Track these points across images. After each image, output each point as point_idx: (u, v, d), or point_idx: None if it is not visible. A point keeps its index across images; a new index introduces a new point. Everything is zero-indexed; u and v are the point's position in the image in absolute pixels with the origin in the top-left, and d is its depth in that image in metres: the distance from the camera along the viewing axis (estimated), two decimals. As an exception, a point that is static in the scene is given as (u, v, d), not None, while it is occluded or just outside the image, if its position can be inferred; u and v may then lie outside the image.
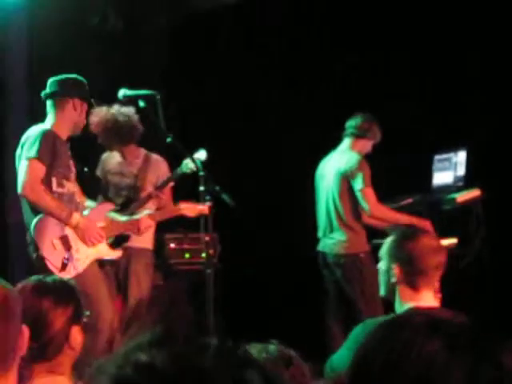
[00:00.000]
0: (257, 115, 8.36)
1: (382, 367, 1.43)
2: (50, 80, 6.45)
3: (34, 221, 6.01)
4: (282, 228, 7.93)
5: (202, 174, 6.42)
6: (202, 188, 6.38)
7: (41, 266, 5.83)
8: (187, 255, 8.34)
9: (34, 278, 3.21)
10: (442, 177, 7.68)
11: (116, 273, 7.03)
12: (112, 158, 7.27)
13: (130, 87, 7.07)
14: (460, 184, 7.47)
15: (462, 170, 7.51)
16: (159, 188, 6.99)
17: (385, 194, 7.31)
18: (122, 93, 6.94)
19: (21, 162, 6.05)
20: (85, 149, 7.35)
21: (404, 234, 4.23)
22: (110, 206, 6.69)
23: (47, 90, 6.40)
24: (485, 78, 7.36)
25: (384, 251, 4.12)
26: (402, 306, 3.97)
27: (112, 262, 6.97)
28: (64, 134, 6.22)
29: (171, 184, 7.08)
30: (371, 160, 7.23)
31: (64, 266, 5.91)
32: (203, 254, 7.66)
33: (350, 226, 7.18)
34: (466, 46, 7.52)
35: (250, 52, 8.66)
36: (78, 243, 6.11)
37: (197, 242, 8.04)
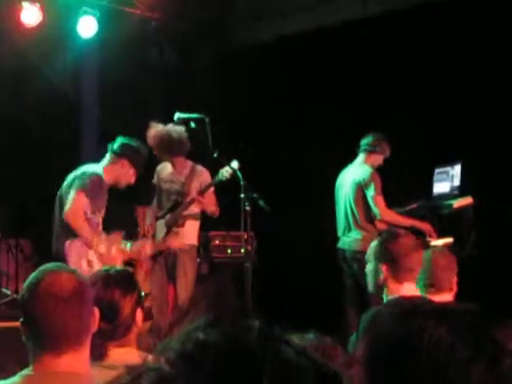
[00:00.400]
0: (290, 138, 8.34)
1: (397, 350, 1.45)
2: (119, 139, 6.51)
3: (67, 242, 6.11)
4: (308, 228, 7.88)
5: (242, 183, 6.45)
6: (242, 195, 6.41)
7: None
8: (229, 250, 8.40)
9: (101, 271, 3.29)
10: (440, 186, 7.66)
11: (166, 264, 7.04)
12: (165, 169, 7.31)
13: (184, 111, 7.14)
14: (455, 193, 7.45)
15: (457, 181, 7.49)
16: (201, 193, 6.95)
17: (394, 200, 7.31)
18: (177, 116, 7.06)
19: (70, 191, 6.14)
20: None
21: (386, 237, 4.28)
22: (119, 235, 6.65)
23: (112, 145, 6.47)
24: (476, 108, 7.29)
25: (370, 254, 4.17)
26: (388, 297, 4.04)
27: (164, 256, 7.05)
28: (107, 180, 6.33)
29: (212, 189, 7.06)
30: (384, 172, 7.26)
31: None
32: (242, 250, 7.77)
33: (364, 227, 7.22)
34: (460, 77, 7.49)
35: (281, 81, 8.64)
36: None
37: (237, 240, 8.12)
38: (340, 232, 7.45)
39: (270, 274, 7.81)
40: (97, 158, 7.53)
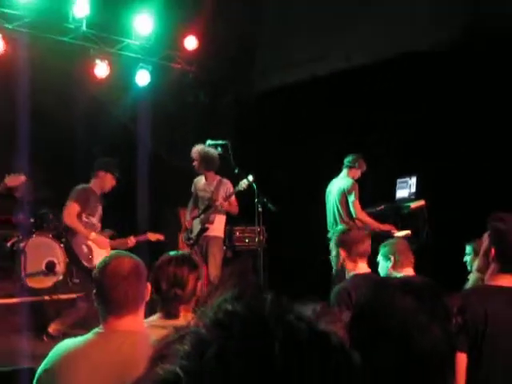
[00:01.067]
0: (292, 158, 8.34)
1: (374, 314, 1.44)
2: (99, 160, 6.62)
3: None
4: (305, 224, 7.86)
5: (256, 191, 6.52)
6: (256, 200, 6.51)
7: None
8: (247, 240, 8.43)
9: (172, 252, 3.20)
10: (401, 193, 7.74)
11: (201, 251, 7.01)
12: (200, 180, 7.29)
13: (212, 138, 7.26)
14: (412, 197, 7.53)
15: (413, 189, 7.57)
16: (225, 199, 6.92)
17: (367, 202, 7.34)
18: (208, 142, 7.15)
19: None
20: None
21: (342, 230, 4.38)
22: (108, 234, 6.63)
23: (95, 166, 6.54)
24: (426, 138, 7.34)
25: (333, 242, 4.23)
26: (348, 274, 4.08)
27: (199, 245, 7.04)
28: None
29: (233, 196, 6.98)
30: (361, 182, 7.30)
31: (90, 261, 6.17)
32: (256, 239, 7.90)
33: (347, 223, 7.05)
34: (419, 115, 7.49)
35: (286, 118, 8.68)
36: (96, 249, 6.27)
37: (252, 232, 8.18)
38: (329, 226, 7.45)
39: (277, 257, 7.78)
40: (153, 175, 7.71)
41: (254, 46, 9.75)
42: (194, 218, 7.25)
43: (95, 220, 6.39)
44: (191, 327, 0.63)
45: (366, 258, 4.14)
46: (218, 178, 7.23)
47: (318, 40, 8.65)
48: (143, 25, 8.52)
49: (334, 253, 4.16)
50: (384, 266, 4.47)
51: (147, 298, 2.54)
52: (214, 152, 7.10)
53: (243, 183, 6.79)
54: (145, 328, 2.49)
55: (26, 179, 6.27)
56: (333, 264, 4.29)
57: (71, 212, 6.17)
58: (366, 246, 4.14)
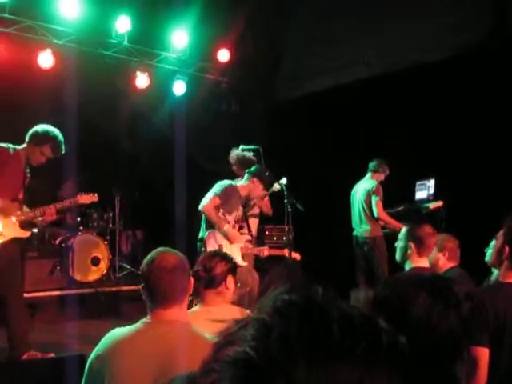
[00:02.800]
0: (319, 162, 8.19)
1: (394, 307, 1.43)
2: (256, 167, 6.39)
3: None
4: (331, 223, 7.82)
5: (286, 192, 6.45)
6: (285, 201, 6.42)
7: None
8: (275, 238, 8.37)
9: (212, 250, 3.40)
10: (420, 194, 7.69)
11: None
12: (236, 183, 7.06)
13: (245, 143, 7.32)
14: (431, 198, 7.50)
15: (432, 190, 7.55)
16: (261, 199, 6.84)
17: (389, 203, 7.35)
18: (241, 147, 7.18)
19: None
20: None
21: (412, 226, 4.00)
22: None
23: (253, 170, 6.31)
24: (445, 144, 7.20)
25: (402, 235, 3.95)
26: (410, 265, 3.83)
27: None
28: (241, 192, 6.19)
29: (267, 197, 6.94)
30: (384, 184, 7.31)
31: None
32: (284, 238, 7.90)
33: (371, 220, 7.26)
34: (436, 121, 7.39)
35: (311, 125, 8.53)
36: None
37: (280, 231, 8.19)
38: (354, 224, 7.48)
39: (304, 254, 7.67)
40: (188, 177, 7.75)
41: (281, 57, 9.74)
42: None
43: (232, 219, 6.11)
44: (251, 317, 0.64)
45: (429, 253, 3.97)
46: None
47: (342, 48, 8.61)
48: (179, 39, 8.61)
49: (401, 244, 3.94)
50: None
51: (190, 291, 2.54)
52: (250, 155, 7.09)
53: (277, 185, 6.75)
54: (188, 319, 2.49)
55: (71, 183, 6.35)
56: (398, 254, 3.99)
57: (211, 203, 5.87)
58: (435, 240, 3.99)
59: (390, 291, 1.53)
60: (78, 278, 7.63)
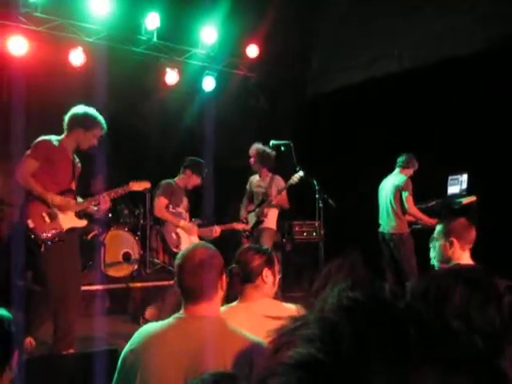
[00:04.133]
0: (349, 158, 8.23)
1: (430, 300, 1.40)
2: (189, 159, 6.62)
3: None
4: (360, 218, 7.66)
5: (317, 188, 6.45)
6: (317, 196, 6.45)
7: None
8: (305, 234, 8.27)
9: (250, 244, 3.36)
10: (453, 189, 7.56)
11: (255, 242, 6.78)
12: (255, 178, 7.32)
13: (273, 139, 7.25)
14: (464, 193, 7.37)
15: (464, 185, 7.43)
16: (278, 193, 6.94)
17: (420, 198, 7.23)
18: (272, 142, 7.15)
19: None
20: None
21: (448, 221, 3.82)
22: (196, 223, 6.60)
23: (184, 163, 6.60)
24: (477, 139, 7.08)
25: (439, 233, 3.75)
26: (451, 262, 3.62)
27: (252, 235, 7.02)
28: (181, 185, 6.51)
29: (285, 191, 6.97)
30: (414, 178, 7.17)
31: (178, 247, 6.27)
32: (314, 233, 7.87)
33: (399, 217, 7.12)
34: (468, 117, 7.27)
35: (341, 120, 8.58)
36: (184, 236, 6.35)
37: (310, 226, 8.12)
38: (381, 220, 7.38)
39: (333, 250, 7.50)
40: (217, 173, 7.71)
41: (311, 52, 9.66)
42: (249, 212, 7.26)
43: (181, 209, 6.46)
44: (312, 315, 0.59)
45: (470, 248, 3.76)
46: (270, 174, 7.23)
47: (373, 43, 8.53)
48: (208, 35, 8.63)
49: (439, 243, 3.73)
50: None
51: (224, 288, 2.48)
52: (271, 151, 7.11)
53: (295, 178, 6.79)
54: (220, 315, 2.47)
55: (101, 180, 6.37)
56: (436, 253, 3.78)
57: (160, 205, 6.29)
58: (475, 232, 3.79)
59: (426, 285, 1.48)
60: (109, 273, 7.66)
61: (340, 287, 0.61)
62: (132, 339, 2.38)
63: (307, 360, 0.53)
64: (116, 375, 2.35)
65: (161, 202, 6.31)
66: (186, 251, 2.48)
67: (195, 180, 6.59)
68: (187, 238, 6.35)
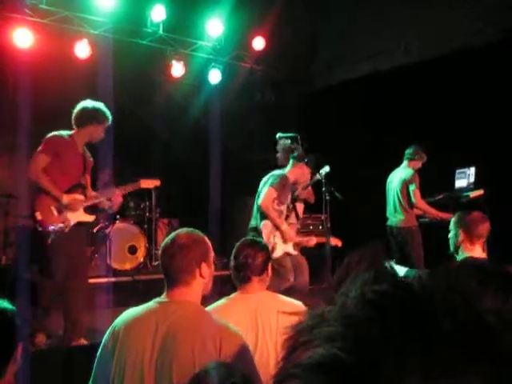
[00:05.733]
0: (354, 151, 8.19)
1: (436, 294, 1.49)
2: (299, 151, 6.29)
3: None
4: (368, 211, 7.67)
5: (324, 181, 6.35)
6: (323, 189, 6.35)
7: None
8: (311, 227, 8.26)
9: (248, 238, 3.31)
10: (460, 182, 7.51)
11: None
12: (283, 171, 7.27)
13: (281, 131, 7.10)
14: (471, 187, 7.32)
15: (472, 179, 7.37)
16: (304, 188, 6.78)
17: (428, 192, 7.17)
18: (278, 135, 6.98)
19: None
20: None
21: (461, 213, 3.97)
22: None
23: (293, 155, 6.22)
24: (486, 131, 6.99)
25: (452, 224, 3.87)
26: (463, 254, 3.75)
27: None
28: (291, 179, 6.09)
29: (310, 186, 6.80)
30: (422, 172, 7.12)
31: None
32: (320, 227, 7.83)
33: (406, 210, 7.09)
34: (476, 109, 7.19)
35: (348, 113, 8.46)
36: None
37: (316, 220, 8.12)
38: (388, 213, 7.35)
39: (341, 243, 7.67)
40: (223, 166, 7.69)
41: (318, 44, 9.62)
42: None
43: (284, 208, 6.05)
44: (332, 311, 0.53)
45: (482, 241, 3.83)
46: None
47: (379, 35, 8.47)
48: (214, 27, 8.60)
49: (452, 233, 3.85)
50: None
51: (203, 276, 2.45)
52: (297, 146, 6.91)
53: (322, 172, 6.63)
54: (198, 300, 2.47)
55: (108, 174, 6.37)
56: (450, 243, 3.91)
57: (268, 198, 5.79)
58: (486, 227, 3.84)
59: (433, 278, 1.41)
60: (115, 266, 7.67)
61: (362, 280, 0.56)
62: (114, 322, 2.41)
63: (328, 361, 0.47)
64: (97, 357, 2.40)
65: (271, 193, 5.77)
66: (171, 235, 2.50)
67: (307, 174, 6.22)
68: (281, 244, 5.85)
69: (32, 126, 5.29)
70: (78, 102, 5.24)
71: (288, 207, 6.13)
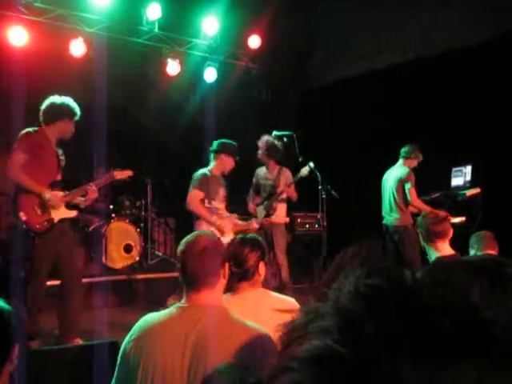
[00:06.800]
0: (349, 148, 8.20)
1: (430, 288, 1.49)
2: (216, 142, 6.32)
3: None
4: (364, 210, 7.73)
5: (320, 179, 6.40)
6: (320, 187, 6.39)
7: None
8: (307, 226, 8.10)
9: (239, 235, 3.21)
10: (457, 181, 7.51)
11: (265, 237, 6.74)
12: (261, 170, 7.23)
13: (277, 130, 7.16)
14: (467, 185, 7.31)
15: (468, 177, 7.37)
16: (288, 186, 6.87)
17: (423, 190, 7.18)
18: (274, 133, 7.06)
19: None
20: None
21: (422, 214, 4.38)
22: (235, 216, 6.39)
23: (214, 148, 6.27)
24: (482, 129, 7.03)
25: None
26: (433, 254, 4.07)
27: (264, 230, 6.85)
28: (216, 174, 6.15)
29: (293, 184, 6.89)
30: (417, 170, 7.12)
31: None
32: (316, 225, 7.80)
33: (402, 209, 7.09)
34: (471, 106, 7.22)
35: (343, 111, 8.49)
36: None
37: (312, 218, 7.97)
38: (384, 212, 7.34)
39: (337, 241, 7.69)
40: None
41: (313, 42, 9.61)
42: (257, 205, 7.17)
43: (217, 204, 6.19)
44: (326, 306, 0.53)
45: (445, 239, 4.09)
46: (278, 167, 7.15)
47: (377, 34, 8.48)
48: (210, 26, 8.59)
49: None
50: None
51: (225, 275, 2.46)
52: (279, 143, 7.02)
53: (305, 170, 6.72)
54: (222, 303, 2.44)
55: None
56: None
57: (195, 199, 5.99)
58: (443, 226, 4.11)
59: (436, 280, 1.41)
60: (110, 265, 7.65)
61: (355, 275, 0.56)
62: (133, 329, 2.35)
63: (323, 353, 0.47)
64: (118, 366, 2.33)
65: (196, 195, 5.99)
66: (189, 238, 2.45)
67: (231, 163, 6.28)
68: (221, 238, 5.98)
69: (27, 123, 5.25)
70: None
71: (223, 199, 6.23)
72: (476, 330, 0.49)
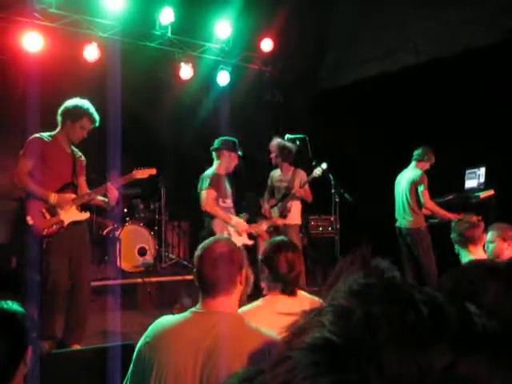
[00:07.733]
0: (362, 152, 8.16)
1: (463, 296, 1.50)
2: (216, 140, 6.30)
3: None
4: (375, 213, 7.59)
5: (333, 182, 6.38)
6: (333, 190, 6.38)
7: None
8: (320, 228, 8.23)
9: (277, 238, 3.28)
10: (470, 183, 7.48)
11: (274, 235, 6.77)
12: (276, 172, 7.23)
13: (288, 133, 7.18)
14: (481, 187, 7.27)
15: (482, 179, 7.32)
16: (301, 187, 6.86)
17: (437, 192, 7.13)
18: (287, 136, 7.07)
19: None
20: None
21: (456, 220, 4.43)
22: (245, 218, 6.43)
23: (215, 146, 6.27)
24: (496, 131, 6.97)
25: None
26: (466, 258, 4.16)
27: (278, 232, 6.77)
28: (222, 173, 6.16)
29: (307, 184, 6.89)
30: (431, 172, 7.07)
31: None
32: (330, 228, 7.81)
33: (415, 211, 7.04)
34: (486, 108, 7.16)
35: (356, 114, 8.47)
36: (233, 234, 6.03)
37: (326, 221, 8.07)
38: (397, 215, 7.29)
39: (350, 244, 7.65)
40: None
41: (326, 45, 9.61)
42: (272, 207, 7.17)
43: (230, 202, 6.20)
44: (326, 304, 0.59)
45: (478, 244, 4.23)
46: (292, 168, 7.15)
47: (388, 36, 8.46)
48: (223, 29, 8.63)
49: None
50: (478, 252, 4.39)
51: (242, 283, 2.42)
52: (291, 145, 7.04)
53: (318, 170, 6.71)
54: (236, 310, 2.42)
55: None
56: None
57: (210, 198, 5.95)
58: (476, 231, 4.25)
59: (457, 280, 1.46)
60: (124, 268, 7.69)
61: (352, 278, 0.62)
62: (147, 332, 2.34)
63: (320, 343, 0.53)
64: (131, 368, 2.33)
65: (209, 194, 5.93)
66: (206, 243, 2.43)
67: (234, 158, 6.24)
68: (237, 237, 5.98)
69: (42, 128, 5.30)
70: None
71: (233, 197, 6.26)
72: (453, 318, 0.53)
